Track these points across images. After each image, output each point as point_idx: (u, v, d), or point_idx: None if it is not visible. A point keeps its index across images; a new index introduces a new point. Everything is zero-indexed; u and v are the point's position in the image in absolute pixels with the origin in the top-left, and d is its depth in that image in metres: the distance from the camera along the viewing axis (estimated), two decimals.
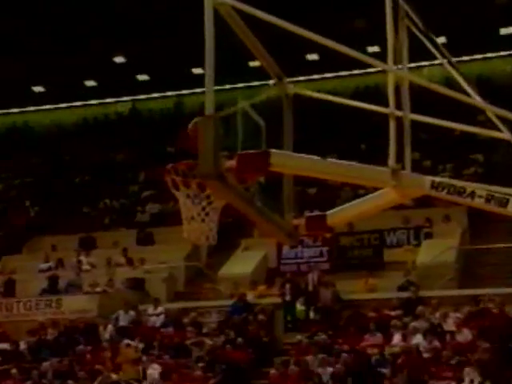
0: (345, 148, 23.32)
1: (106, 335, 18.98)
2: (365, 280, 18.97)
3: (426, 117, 5.92)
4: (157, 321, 19.23)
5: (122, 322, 19.20)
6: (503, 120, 5.75)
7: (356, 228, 20.31)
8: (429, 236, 20.13)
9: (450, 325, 16.42)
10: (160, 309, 19.47)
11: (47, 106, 31.85)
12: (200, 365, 16.96)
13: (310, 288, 18.84)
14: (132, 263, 21.75)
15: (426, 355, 15.50)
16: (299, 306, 18.55)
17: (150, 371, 16.78)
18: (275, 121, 6.15)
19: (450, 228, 20.25)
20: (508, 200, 5.24)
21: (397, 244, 20.26)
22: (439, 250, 18.76)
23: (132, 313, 19.36)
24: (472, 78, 22.33)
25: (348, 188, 21.39)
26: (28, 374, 17.73)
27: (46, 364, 18.01)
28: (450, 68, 5.99)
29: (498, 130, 5.80)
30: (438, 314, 16.75)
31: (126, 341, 17.57)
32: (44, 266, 22.68)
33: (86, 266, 22.11)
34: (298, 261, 20.42)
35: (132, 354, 17.26)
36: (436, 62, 5.87)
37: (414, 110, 5.68)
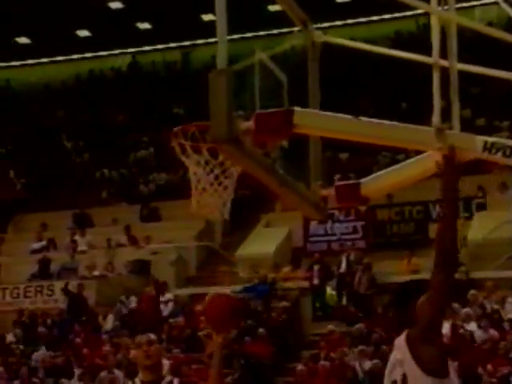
0: (382, 106, 23.24)
1: (107, 326, 19.21)
2: (406, 260, 19.00)
3: (477, 67, 5.89)
4: (164, 309, 19.40)
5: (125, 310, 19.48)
6: None
7: (396, 199, 20.30)
8: (482, 207, 20.09)
9: (509, 311, 16.44)
10: (168, 295, 19.63)
11: (33, 61, 31.93)
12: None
13: (343, 270, 18.92)
14: (135, 243, 21.89)
15: (480, 346, 15.55)
16: (329, 291, 18.65)
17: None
18: (299, 75, 6.15)
19: (507, 198, 20.18)
20: None
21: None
22: (494, 223, 18.72)
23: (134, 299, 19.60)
24: None
25: (386, 153, 21.36)
26: (16, 371, 17.99)
27: (36, 359, 18.26)
28: (507, 7, 5.95)
29: None
30: (493, 299, 16.77)
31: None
32: (36, 245, 22.89)
33: (81, 247, 22.30)
34: (328, 238, 20.48)
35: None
36: (490, 0, 5.82)
37: (463, 60, 5.65)
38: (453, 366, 4.69)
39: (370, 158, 21.61)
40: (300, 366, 16.69)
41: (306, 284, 19.17)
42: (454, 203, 4.89)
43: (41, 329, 19.44)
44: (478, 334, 15.82)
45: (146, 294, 19.66)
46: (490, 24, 21.21)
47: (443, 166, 4.94)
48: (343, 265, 19.08)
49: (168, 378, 6.00)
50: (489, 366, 15.06)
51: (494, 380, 14.78)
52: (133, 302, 19.78)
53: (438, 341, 4.63)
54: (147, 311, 19.36)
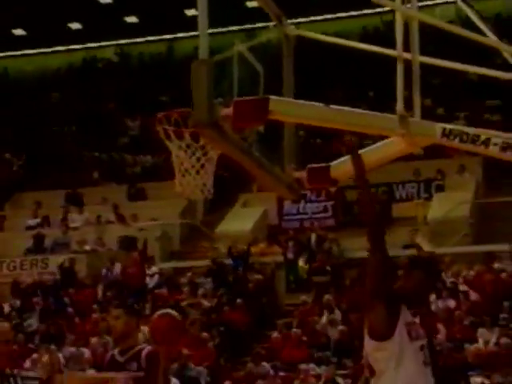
0: (351, 95, 23.24)
1: (98, 296, 19.17)
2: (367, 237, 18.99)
3: (437, 60, 5.90)
4: (150, 282, 19.38)
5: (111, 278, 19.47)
6: None
7: None
8: (441, 189, 20.17)
9: (463, 284, 16.57)
10: (153, 269, 19.61)
11: (28, 51, 31.63)
12: (196, 327, 17.14)
13: (313, 246, 18.98)
14: (123, 220, 21.83)
15: (439, 315, 15.67)
16: (301, 263, 18.70)
17: (140, 334, 16.90)
18: (275, 66, 6.14)
19: (464, 180, 20.29)
20: None
21: (406, 198, 20.31)
22: (452, 203, 18.81)
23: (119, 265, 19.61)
24: (489, 16, 22.23)
25: (355, 138, 21.36)
26: (13, 338, 17.92)
27: (32, 327, 18.21)
28: (464, 6, 5.96)
29: None
30: (451, 273, 16.89)
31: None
32: (32, 222, 22.77)
33: (77, 224, 22.21)
34: (301, 217, 20.51)
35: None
36: None
37: (424, 53, 5.66)
38: (403, 326, 4.74)
39: (340, 143, 21.60)
40: (275, 334, 16.76)
41: (280, 258, 19.21)
42: (366, 191, 4.95)
43: (36, 299, 19.36)
44: (437, 304, 15.93)
45: (131, 259, 19.68)
46: (449, 21, 21.23)
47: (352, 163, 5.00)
48: (312, 241, 19.15)
49: (140, 347, 6.05)
50: (446, 331, 15.23)
51: (449, 344, 14.93)
52: (117, 268, 19.74)
53: (379, 307, 4.70)
54: (133, 276, 19.37)
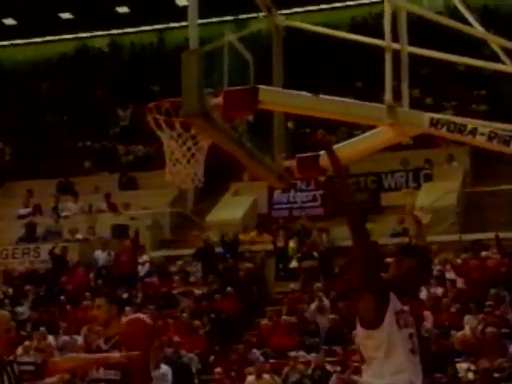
0: (340, 86, 23.22)
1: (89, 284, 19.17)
2: None
3: (425, 50, 5.90)
4: (141, 270, 19.38)
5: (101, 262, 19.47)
6: (509, 52, 5.74)
7: (352, 171, 20.32)
8: (429, 178, 20.23)
9: (450, 271, 16.64)
10: (144, 257, 19.61)
11: (19, 41, 31.47)
12: (187, 315, 17.16)
13: (302, 234, 19.02)
14: (115, 209, 21.80)
15: (426, 303, 15.74)
16: (292, 244, 18.69)
17: None
18: (264, 56, 6.13)
19: (452, 170, 20.35)
20: (511, 138, 5.27)
21: (395, 187, 20.37)
22: (440, 193, 18.87)
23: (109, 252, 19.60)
24: (477, 7, 22.23)
25: (344, 128, 21.39)
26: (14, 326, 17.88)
27: (24, 314, 18.20)
28: None
29: (504, 63, 5.80)
30: (438, 261, 16.95)
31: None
32: (23, 211, 22.71)
33: (65, 213, 22.18)
34: (291, 206, 20.53)
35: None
36: None
37: (413, 43, 5.66)
38: (392, 314, 4.75)
39: (330, 133, 21.59)
40: (265, 321, 16.80)
41: (270, 247, 19.23)
42: (344, 183, 4.94)
43: (28, 287, 19.34)
44: (425, 292, 16.00)
45: (123, 247, 19.68)
46: (437, 12, 21.17)
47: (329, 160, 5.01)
48: (302, 230, 19.20)
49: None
50: (433, 319, 15.31)
51: (436, 330, 15.01)
52: (108, 254, 19.74)
53: (368, 296, 4.72)
54: (125, 264, 19.38)
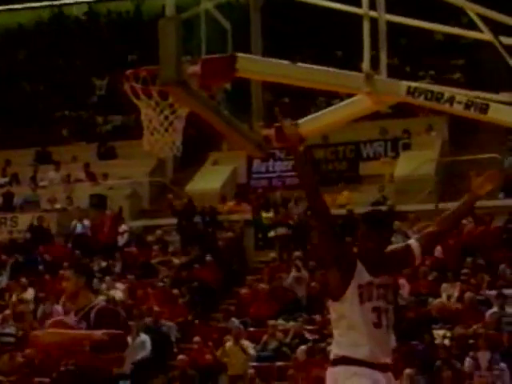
0: (319, 55, 23.15)
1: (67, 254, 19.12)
2: (335, 195, 18.98)
3: (403, 18, 5.90)
4: (120, 240, 19.36)
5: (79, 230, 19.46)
6: (486, 20, 5.74)
7: (330, 140, 20.39)
8: (407, 147, 20.29)
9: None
10: (123, 227, 19.58)
11: None
12: (167, 284, 17.20)
13: (278, 203, 19.07)
14: (94, 179, 21.71)
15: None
16: (265, 214, 18.70)
17: (111, 292, 16.92)
18: (242, 24, 6.09)
19: (430, 139, 20.42)
20: (488, 106, 5.30)
21: (373, 156, 20.42)
22: (418, 162, 18.95)
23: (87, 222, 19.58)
24: None
25: (323, 98, 21.37)
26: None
27: (1, 283, 18.19)
28: None
29: (482, 31, 5.80)
30: (415, 229, 17.06)
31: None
32: (0, 180, 22.56)
33: (42, 182, 22.06)
34: (270, 175, 20.54)
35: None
36: None
37: (391, 12, 5.65)
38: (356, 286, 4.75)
39: (309, 102, 21.57)
40: (244, 290, 16.87)
41: (249, 216, 19.26)
42: (300, 158, 4.93)
43: (5, 257, 19.27)
44: None
45: (101, 217, 19.67)
46: None
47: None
48: (278, 200, 19.24)
49: (91, 305, 6.01)
50: (410, 287, 15.45)
51: (414, 299, 15.16)
52: (86, 224, 19.72)
53: (332, 269, 4.76)
54: (103, 234, 19.38)
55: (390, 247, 4.96)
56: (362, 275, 4.77)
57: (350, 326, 4.75)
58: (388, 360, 4.80)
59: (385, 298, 4.81)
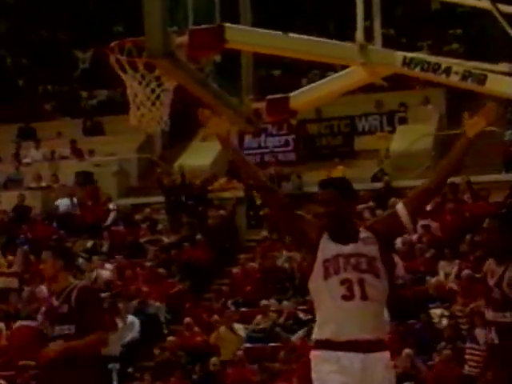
0: (311, 27, 23.04)
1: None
2: (328, 170, 18.95)
3: None
4: (107, 218, 19.33)
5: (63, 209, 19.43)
6: None
7: (324, 114, 20.36)
8: (403, 121, 20.27)
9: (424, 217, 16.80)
10: (110, 205, 19.55)
11: None
12: (155, 264, 17.21)
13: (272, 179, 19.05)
14: (80, 156, 21.63)
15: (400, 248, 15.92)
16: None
17: (99, 272, 16.93)
18: None
19: (427, 113, 20.39)
20: (486, 77, 5.29)
21: (369, 131, 20.40)
22: (415, 136, 18.94)
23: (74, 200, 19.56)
24: None
25: (316, 71, 21.30)
26: None
27: None
28: None
29: None
30: None
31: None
32: None
33: (26, 160, 21.97)
34: (262, 151, 20.51)
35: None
36: None
37: None
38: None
39: (302, 75, 21.52)
40: (236, 269, 16.90)
41: (241, 194, 19.24)
42: (236, 154, 5.38)
43: None
44: (399, 238, 16.13)
45: (87, 195, 19.65)
46: None
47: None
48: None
49: (71, 286, 6.04)
50: (407, 265, 15.51)
51: (411, 276, 15.22)
52: (72, 203, 19.69)
53: (301, 252, 4.82)
54: (90, 211, 19.37)
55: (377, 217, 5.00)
56: (327, 249, 4.69)
57: (318, 305, 4.68)
58: (367, 336, 4.50)
59: (357, 267, 4.60)
